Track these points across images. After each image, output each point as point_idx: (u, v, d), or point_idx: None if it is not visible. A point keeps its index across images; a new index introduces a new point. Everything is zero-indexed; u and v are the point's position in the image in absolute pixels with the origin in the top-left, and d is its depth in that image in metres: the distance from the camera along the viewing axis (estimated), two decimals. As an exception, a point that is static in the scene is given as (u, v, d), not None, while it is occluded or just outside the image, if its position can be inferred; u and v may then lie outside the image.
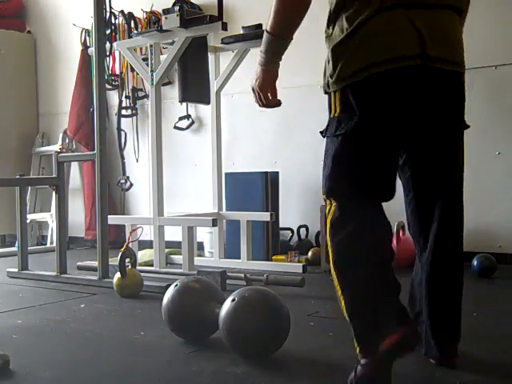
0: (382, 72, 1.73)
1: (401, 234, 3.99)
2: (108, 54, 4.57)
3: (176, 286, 2.35)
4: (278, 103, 2.00)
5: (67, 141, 5.73)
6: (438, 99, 1.87)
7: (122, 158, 5.34)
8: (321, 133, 1.92)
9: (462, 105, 1.98)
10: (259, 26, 4.17)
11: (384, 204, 1.92)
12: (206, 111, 4.86)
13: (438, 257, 2.09)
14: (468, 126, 1.99)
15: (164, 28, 3.83)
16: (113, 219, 4.11)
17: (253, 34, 4.14)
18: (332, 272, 1.84)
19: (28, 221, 4.90)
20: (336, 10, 1.80)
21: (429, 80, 1.80)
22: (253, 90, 2.01)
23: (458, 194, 2.05)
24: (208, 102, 4.33)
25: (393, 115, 1.80)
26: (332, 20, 1.83)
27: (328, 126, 1.87)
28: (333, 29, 1.83)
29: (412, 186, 2.05)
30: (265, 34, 1.90)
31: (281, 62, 1.99)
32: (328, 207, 1.86)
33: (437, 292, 2.06)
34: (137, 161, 5.40)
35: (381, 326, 1.77)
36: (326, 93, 1.90)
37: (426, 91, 1.81)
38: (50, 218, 5.51)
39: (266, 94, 1.98)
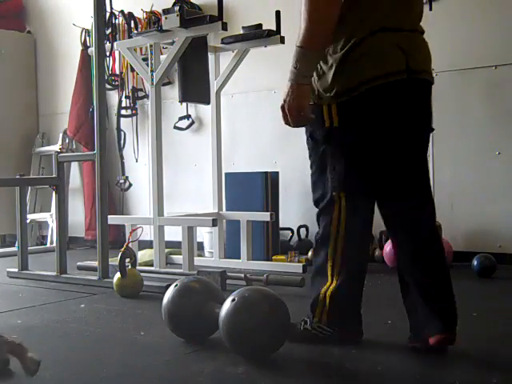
0: (377, 86, 2.00)
1: (401, 233, 3.99)
2: (108, 54, 4.58)
3: (176, 285, 2.35)
4: (309, 119, 2.03)
5: (67, 141, 5.73)
6: (419, 106, 2.15)
7: (121, 157, 5.34)
8: (313, 139, 2.15)
9: (431, 110, 2.24)
10: (259, 25, 4.17)
11: None
12: (206, 111, 4.86)
13: (421, 241, 2.23)
14: (433, 129, 2.28)
15: (164, 28, 3.83)
16: (113, 219, 4.11)
17: (253, 33, 4.14)
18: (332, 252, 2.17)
19: (28, 221, 4.89)
20: (339, 22, 1.96)
21: (413, 90, 2.08)
22: (285, 109, 2.00)
23: (429, 188, 2.30)
24: (208, 102, 4.33)
25: (387, 123, 2.08)
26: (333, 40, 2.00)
27: (327, 135, 2.09)
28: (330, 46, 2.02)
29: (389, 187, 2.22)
30: (297, 50, 1.96)
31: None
32: (338, 202, 2.15)
33: (431, 270, 2.17)
34: (136, 161, 5.40)
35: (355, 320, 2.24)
36: (314, 103, 2.06)
37: (410, 100, 2.09)
38: (49, 217, 5.51)
39: (302, 111, 1.99)
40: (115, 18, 5.00)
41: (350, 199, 2.16)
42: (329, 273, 2.20)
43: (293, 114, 1.99)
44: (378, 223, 4.23)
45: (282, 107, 2.01)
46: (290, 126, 2.04)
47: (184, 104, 4.97)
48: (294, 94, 1.98)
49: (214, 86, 4.36)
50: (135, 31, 4.66)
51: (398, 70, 2.01)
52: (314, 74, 2.05)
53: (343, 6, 1.96)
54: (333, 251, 2.19)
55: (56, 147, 5.69)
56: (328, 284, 2.19)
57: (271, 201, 4.41)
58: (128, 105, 5.36)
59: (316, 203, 2.27)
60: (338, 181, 2.14)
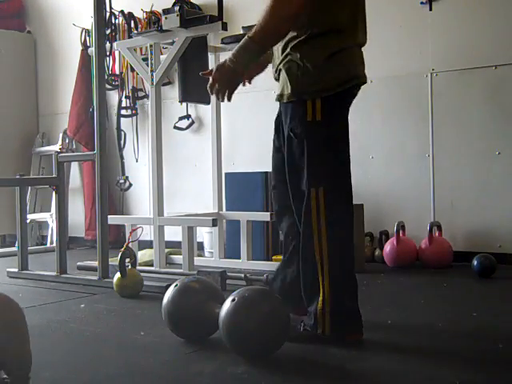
0: (352, 86, 2.22)
1: (401, 234, 3.99)
2: (108, 53, 4.58)
3: (176, 285, 2.35)
4: (229, 98, 2.28)
5: (67, 141, 5.73)
6: None
7: (121, 157, 5.34)
8: (295, 133, 2.21)
9: None
10: (259, 25, 4.16)
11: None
12: (206, 111, 4.86)
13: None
14: None
15: (164, 28, 3.83)
16: (113, 219, 4.11)
17: (253, 34, 4.13)
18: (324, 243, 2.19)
19: (28, 221, 4.90)
20: (321, 33, 2.16)
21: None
22: (214, 84, 2.19)
23: None
24: (208, 102, 4.33)
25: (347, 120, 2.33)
26: (311, 39, 2.16)
27: (309, 128, 2.18)
28: (309, 46, 2.17)
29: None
30: (248, 41, 2.12)
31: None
32: (316, 194, 2.19)
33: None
34: (136, 161, 5.40)
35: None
36: (292, 100, 2.19)
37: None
38: (49, 218, 5.51)
39: (230, 92, 2.21)
40: (115, 18, 5.01)
41: (329, 195, 2.19)
42: (320, 278, 2.21)
43: (221, 91, 2.20)
44: (379, 223, 4.26)
45: (214, 80, 2.19)
46: (211, 93, 2.23)
47: (184, 104, 4.97)
48: (230, 77, 2.17)
49: (214, 85, 4.35)
50: (135, 31, 4.67)
51: (363, 74, 2.29)
52: (297, 71, 2.18)
53: (339, 22, 2.17)
54: (319, 253, 2.20)
55: (56, 147, 5.69)
56: (321, 294, 2.21)
57: (271, 201, 4.41)
58: (128, 105, 5.36)
59: (295, 202, 2.29)
60: (317, 176, 2.19)
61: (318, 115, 2.17)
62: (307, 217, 2.22)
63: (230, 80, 2.17)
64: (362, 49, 2.31)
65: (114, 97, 5.51)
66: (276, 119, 2.41)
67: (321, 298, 2.21)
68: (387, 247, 4.03)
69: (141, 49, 4.79)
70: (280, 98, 2.26)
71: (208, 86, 2.21)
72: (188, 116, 5.12)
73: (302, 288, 2.30)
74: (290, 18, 2.10)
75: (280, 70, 2.25)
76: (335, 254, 2.21)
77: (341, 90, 2.17)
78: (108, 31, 4.73)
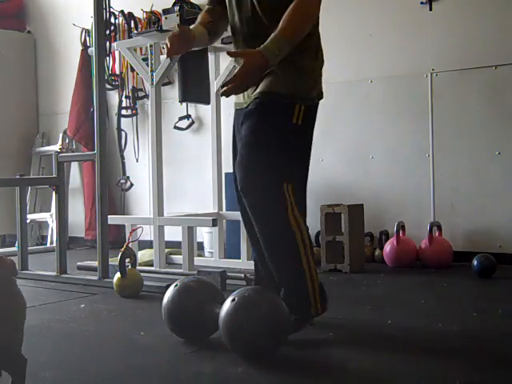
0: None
1: (401, 233, 3.99)
2: (108, 53, 4.58)
3: (176, 285, 2.35)
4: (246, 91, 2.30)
5: (67, 141, 5.73)
6: None
7: (122, 157, 5.34)
8: (277, 131, 2.27)
9: None
10: (259, 25, 4.16)
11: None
12: (206, 111, 4.87)
13: None
14: None
15: (164, 28, 3.84)
16: (113, 219, 4.11)
17: (253, 33, 4.13)
18: (300, 241, 2.25)
19: (28, 221, 4.89)
20: (310, 47, 2.29)
21: None
22: (243, 74, 2.10)
23: None
24: (208, 102, 4.33)
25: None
26: (305, 51, 2.26)
27: (292, 129, 2.28)
28: (305, 56, 2.28)
29: None
30: (285, 41, 2.12)
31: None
32: (287, 189, 2.24)
33: None
34: (137, 161, 5.40)
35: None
36: (281, 100, 2.25)
37: None
38: (49, 218, 5.51)
39: (254, 86, 2.22)
40: (115, 18, 5.01)
41: (296, 194, 2.28)
42: (305, 266, 2.26)
43: (243, 87, 2.15)
44: (379, 223, 4.26)
45: (242, 74, 2.10)
46: (228, 87, 2.10)
47: (184, 104, 4.97)
48: (260, 72, 2.14)
49: (213, 85, 4.36)
50: (135, 31, 4.67)
51: None
52: (296, 75, 2.26)
53: (315, 35, 2.30)
54: (301, 241, 2.25)
55: (56, 147, 5.69)
56: (308, 276, 2.27)
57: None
58: (128, 105, 5.37)
59: (256, 190, 2.24)
60: (289, 173, 2.27)
61: (299, 120, 2.28)
62: (279, 209, 2.23)
63: (258, 75, 2.17)
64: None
65: (114, 97, 5.51)
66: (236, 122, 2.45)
67: (309, 283, 2.27)
68: (387, 247, 4.03)
69: (141, 49, 4.79)
70: (268, 95, 2.24)
71: (232, 79, 2.10)
72: (188, 116, 5.12)
73: (277, 279, 2.33)
74: (316, 16, 2.18)
75: (273, 70, 2.22)
76: (309, 244, 2.29)
77: (317, 101, 2.36)
78: (108, 31, 4.72)
